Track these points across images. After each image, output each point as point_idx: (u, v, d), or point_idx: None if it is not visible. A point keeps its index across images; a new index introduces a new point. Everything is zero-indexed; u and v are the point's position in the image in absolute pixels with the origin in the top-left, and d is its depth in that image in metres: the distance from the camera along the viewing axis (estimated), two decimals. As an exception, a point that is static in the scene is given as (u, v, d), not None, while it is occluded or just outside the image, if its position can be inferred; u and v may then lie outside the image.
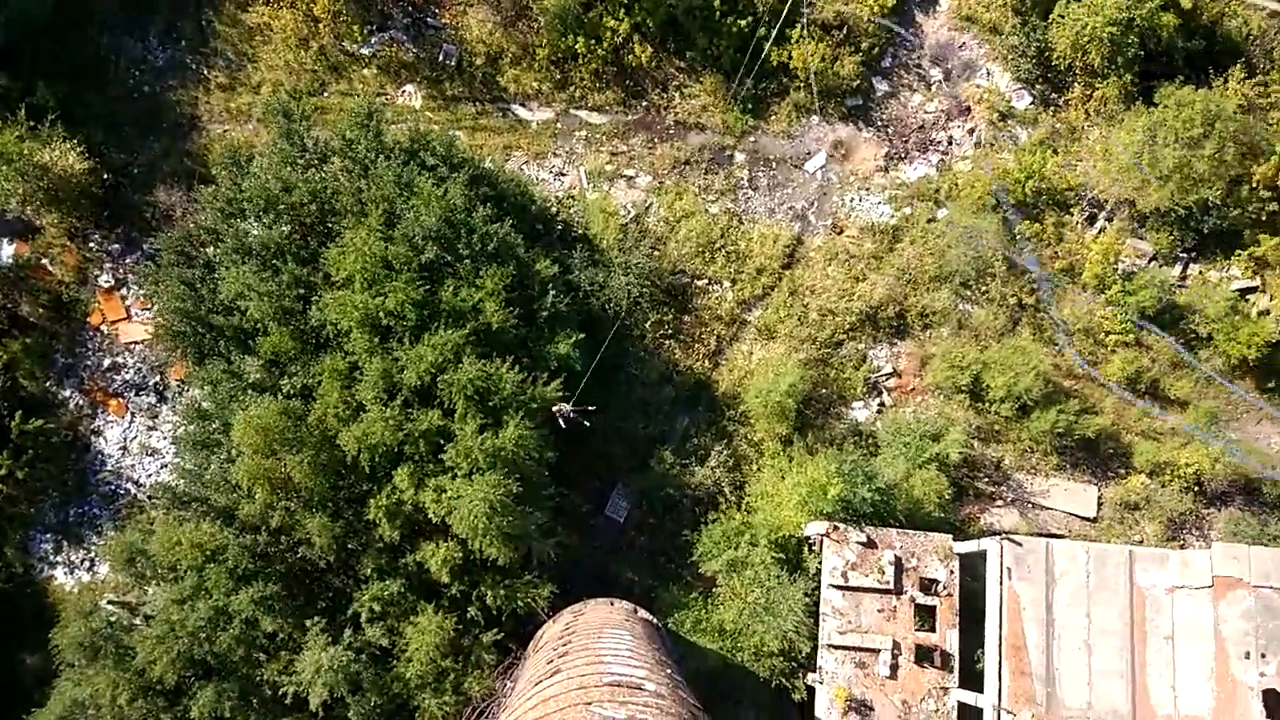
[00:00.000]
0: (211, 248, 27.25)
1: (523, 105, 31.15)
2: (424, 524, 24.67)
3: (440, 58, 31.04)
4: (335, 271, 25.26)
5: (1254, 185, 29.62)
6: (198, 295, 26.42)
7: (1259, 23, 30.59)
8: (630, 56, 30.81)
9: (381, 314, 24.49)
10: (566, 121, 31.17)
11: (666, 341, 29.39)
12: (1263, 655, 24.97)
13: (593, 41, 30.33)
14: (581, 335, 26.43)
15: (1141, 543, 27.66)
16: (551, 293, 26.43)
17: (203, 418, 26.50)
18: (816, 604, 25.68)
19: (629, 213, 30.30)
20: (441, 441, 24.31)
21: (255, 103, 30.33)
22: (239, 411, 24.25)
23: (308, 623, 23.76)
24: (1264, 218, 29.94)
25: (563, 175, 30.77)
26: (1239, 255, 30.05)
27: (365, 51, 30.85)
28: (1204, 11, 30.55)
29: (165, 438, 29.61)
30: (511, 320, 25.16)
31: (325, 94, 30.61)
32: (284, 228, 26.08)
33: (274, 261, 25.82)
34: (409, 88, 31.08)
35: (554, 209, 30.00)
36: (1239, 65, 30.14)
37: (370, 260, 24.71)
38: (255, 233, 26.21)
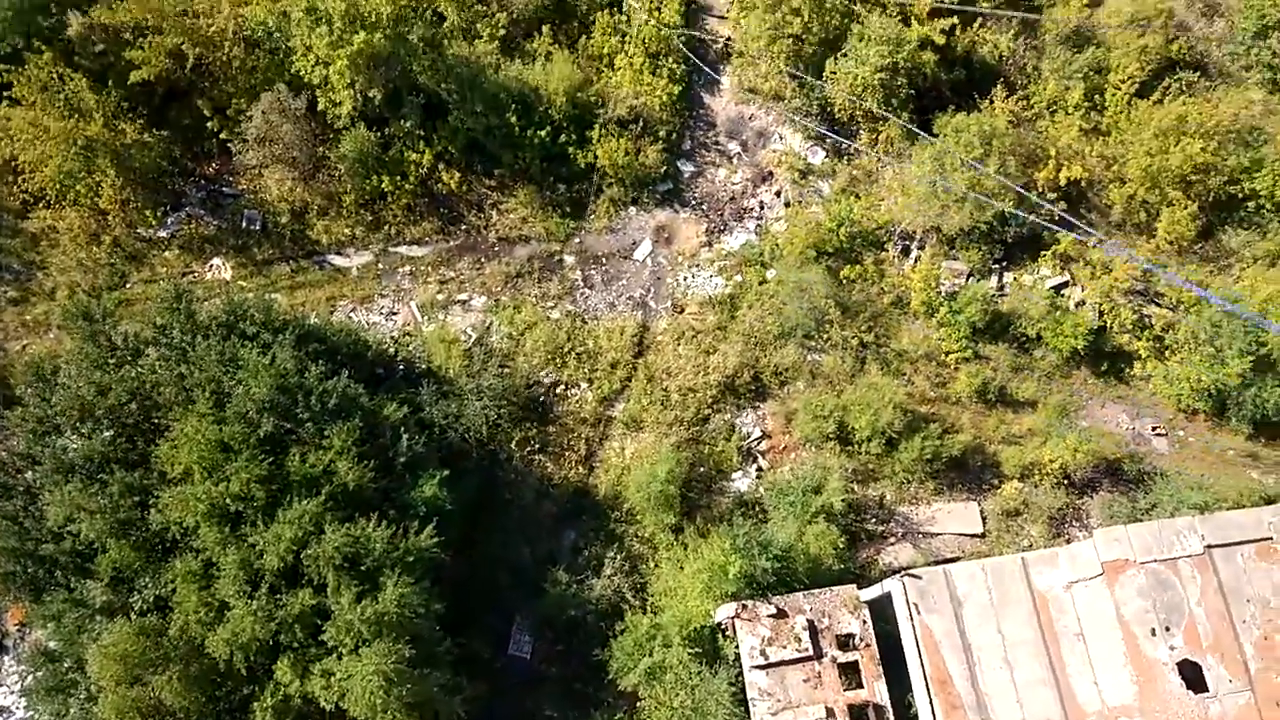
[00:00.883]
0: (29, 472, 24.99)
1: (338, 254, 30.40)
2: (318, 715, 22.74)
3: (244, 224, 30.06)
4: (170, 468, 23.57)
5: (1040, 189, 31.76)
6: (22, 528, 24.09)
7: (1006, 45, 33.23)
8: (439, 185, 30.73)
9: (227, 500, 22.87)
10: (387, 260, 30.61)
11: (536, 457, 28.65)
12: (1167, 629, 25.41)
13: (398, 178, 30.11)
14: (445, 472, 25.34)
15: (1030, 547, 28.35)
16: (405, 436, 25.36)
17: (51, 660, 23.90)
18: (743, 690, 24.93)
19: (470, 336, 29.76)
20: (319, 621, 22.61)
21: (52, 310, 28.46)
22: (91, 644, 22.02)
23: None
24: (1056, 218, 32.01)
25: (394, 314, 30.03)
26: (1045, 256, 32.02)
27: (163, 234, 29.58)
28: (957, 44, 32.99)
29: (13, 692, 26.51)
30: (368, 475, 23.89)
31: (128, 285, 29.04)
32: (105, 434, 24.26)
33: (100, 474, 23.83)
34: (216, 261, 29.84)
35: (392, 350, 29.12)
36: (999, 86, 32.56)
37: (205, 448, 23.16)
38: (74, 447, 24.25)
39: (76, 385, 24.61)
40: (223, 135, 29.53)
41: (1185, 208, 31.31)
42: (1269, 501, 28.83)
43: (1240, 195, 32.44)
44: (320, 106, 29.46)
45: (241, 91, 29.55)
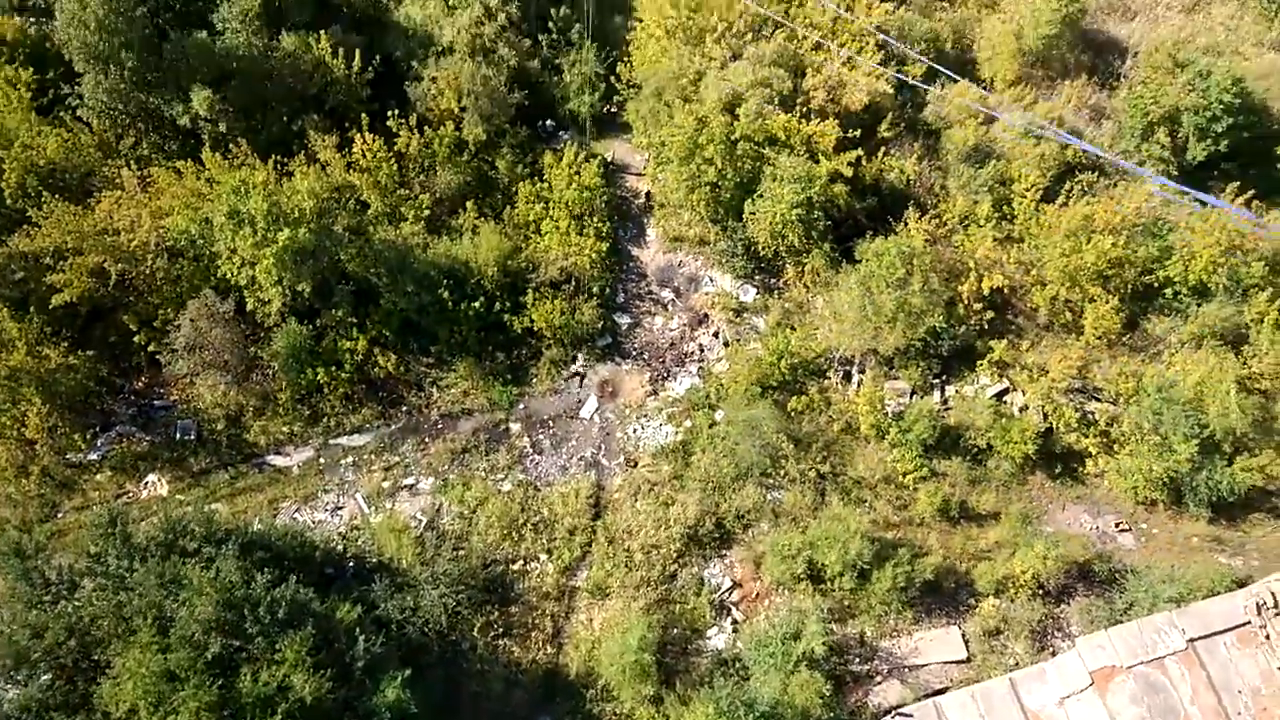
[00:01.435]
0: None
1: (278, 453, 29.84)
2: None
3: (177, 436, 29.47)
4: (114, 708, 22.17)
5: (966, 302, 32.70)
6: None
7: (911, 169, 34.76)
8: (376, 369, 30.63)
9: (178, 736, 21.48)
10: (329, 454, 30.11)
11: (500, 642, 27.52)
12: None
13: (334, 368, 29.97)
14: (407, 672, 24.24)
15: (1017, 665, 27.78)
16: (361, 638, 24.27)
17: None
18: None
19: (420, 522, 29.08)
20: None
21: (-21, 548, 27.15)
22: None
23: None
24: (985, 326, 32.95)
25: (339, 509, 29.32)
26: (982, 365, 32.69)
27: (94, 457, 28.81)
28: (865, 174, 34.40)
29: None
30: (326, 686, 22.73)
31: (60, 515, 28.00)
32: (43, 679, 22.95)
33: (37, 727, 22.34)
34: (151, 477, 29.07)
35: (340, 547, 28.25)
36: (911, 208, 33.89)
37: (149, 681, 21.89)
38: (9, 698, 22.81)
39: (10, 630, 23.36)
40: (151, 348, 29.24)
41: (1107, 302, 32.38)
42: (1240, 584, 28.93)
43: (1156, 284, 33.74)
44: (249, 307, 29.48)
45: (167, 301, 29.46)
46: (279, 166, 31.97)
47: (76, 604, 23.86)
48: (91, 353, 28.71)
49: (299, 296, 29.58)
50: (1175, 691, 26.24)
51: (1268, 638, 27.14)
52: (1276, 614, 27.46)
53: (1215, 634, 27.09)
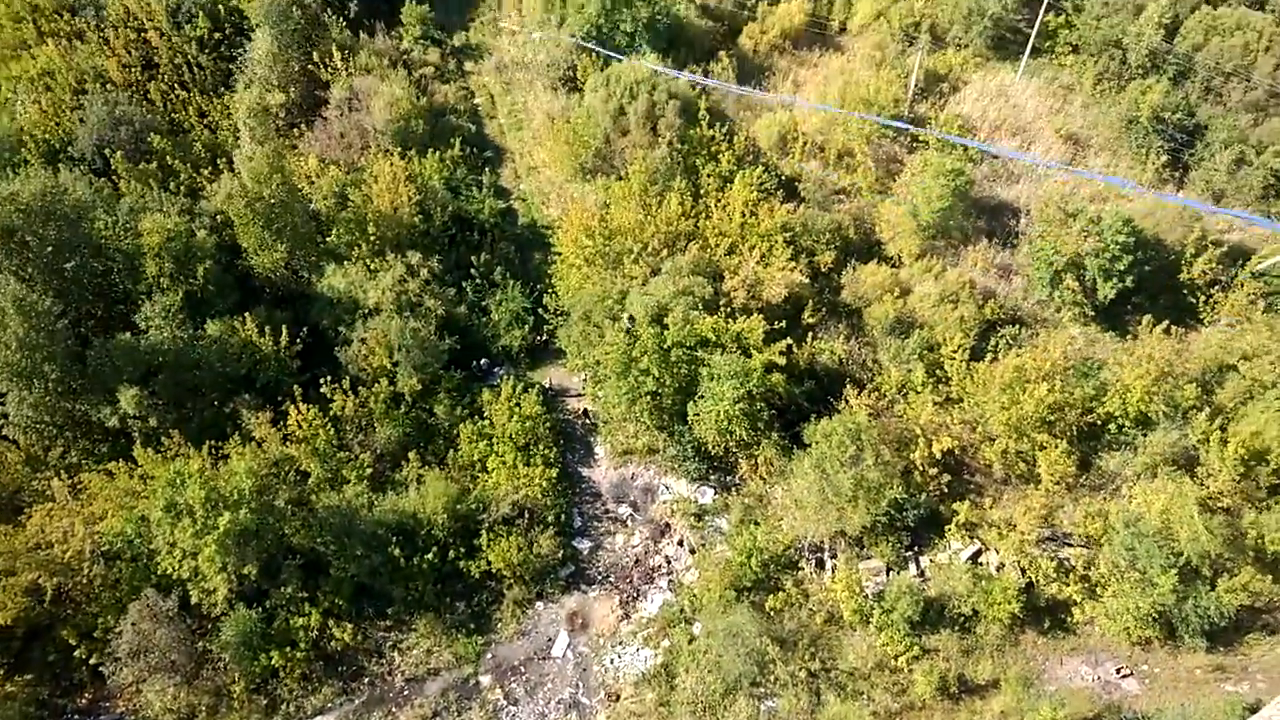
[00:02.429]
0: None
1: (235, 760, 29.14)
2: None
3: (126, 751, 28.77)
4: None
5: (921, 468, 34.37)
6: None
7: (841, 348, 37.40)
8: (332, 643, 30.71)
9: None
10: (292, 742, 29.46)
11: None
12: None
13: (288, 649, 29.99)
14: None
15: (1054, 847, 27.12)
16: None
17: None
18: None
19: (397, 804, 28.20)
20: None
21: None
22: None
23: None
24: (945, 489, 34.49)
25: (309, 804, 28.42)
26: (950, 529, 33.91)
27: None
28: (799, 360, 36.91)
29: None
30: None
31: None
32: None
33: None
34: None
35: None
36: (849, 386, 36.18)
37: None
38: None
39: None
40: (93, 660, 29.06)
41: (1057, 447, 34.32)
42: (1252, 710, 29.23)
43: (1099, 421, 35.94)
44: (193, 599, 29.72)
45: (107, 609, 29.64)
46: (214, 451, 33.23)
47: None
48: (30, 676, 28.38)
49: (245, 580, 29.92)
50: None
51: (1298, 766, 27.17)
52: (1301, 739, 27.64)
53: None
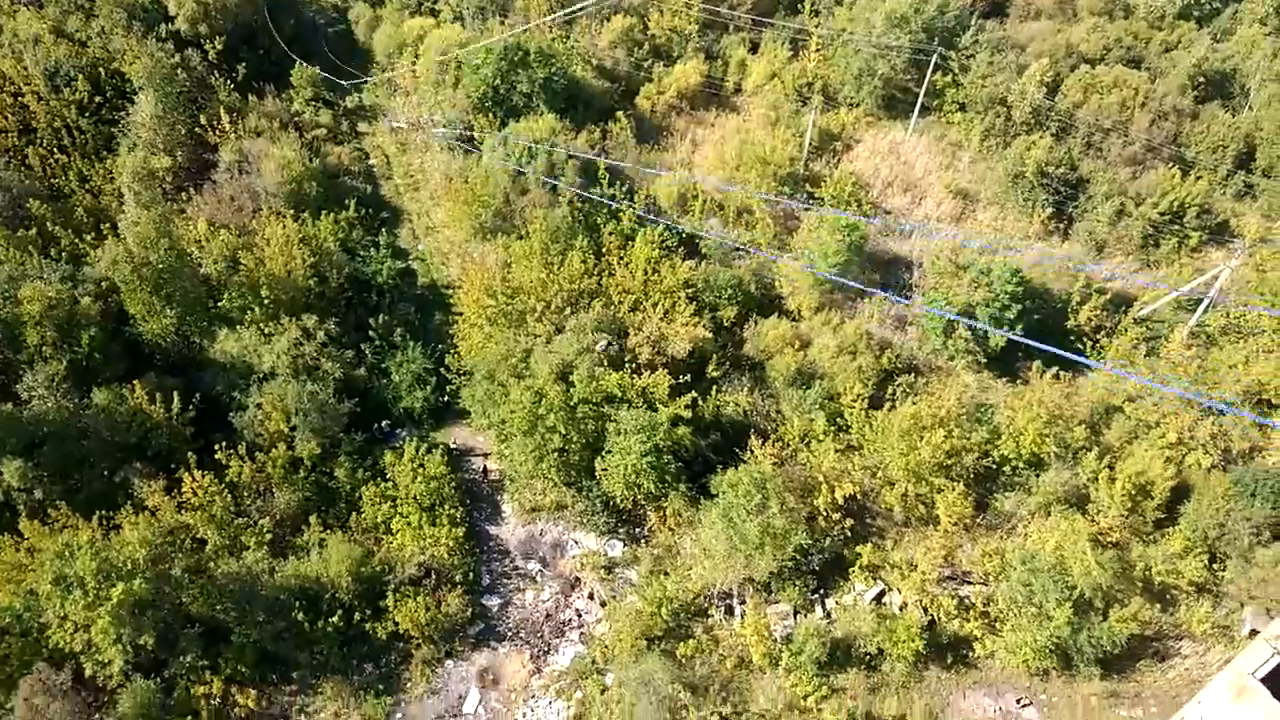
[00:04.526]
0: None
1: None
2: None
3: None
4: None
5: (825, 514, 38.89)
6: None
7: (745, 400, 42.04)
8: (236, 709, 33.18)
9: None
10: (194, 822, 31.64)
11: None
12: None
13: (189, 718, 32.22)
14: None
15: None
16: None
17: None
18: None
19: None
20: None
21: None
22: None
23: None
24: (848, 533, 39.07)
25: None
26: (854, 572, 38.41)
27: None
28: (704, 412, 41.37)
29: None
30: None
31: None
32: None
33: None
34: None
35: None
36: (753, 435, 40.75)
37: None
38: None
39: None
40: (-19, 739, 30.90)
41: (954, 490, 39.34)
42: (1146, 734, 34.03)
43: (994, 464, 41.23)
44: (88, 672, 31.86)
45: (-4, 685, 31.54)
46: (105, 521, 35.64)
47: None
48: (-85, 758, 30.08)
49: (141, 650, 32.27)
50: None
51: (1185, 781, 31.86)
52: (1190, 757, 32.44)
53: None
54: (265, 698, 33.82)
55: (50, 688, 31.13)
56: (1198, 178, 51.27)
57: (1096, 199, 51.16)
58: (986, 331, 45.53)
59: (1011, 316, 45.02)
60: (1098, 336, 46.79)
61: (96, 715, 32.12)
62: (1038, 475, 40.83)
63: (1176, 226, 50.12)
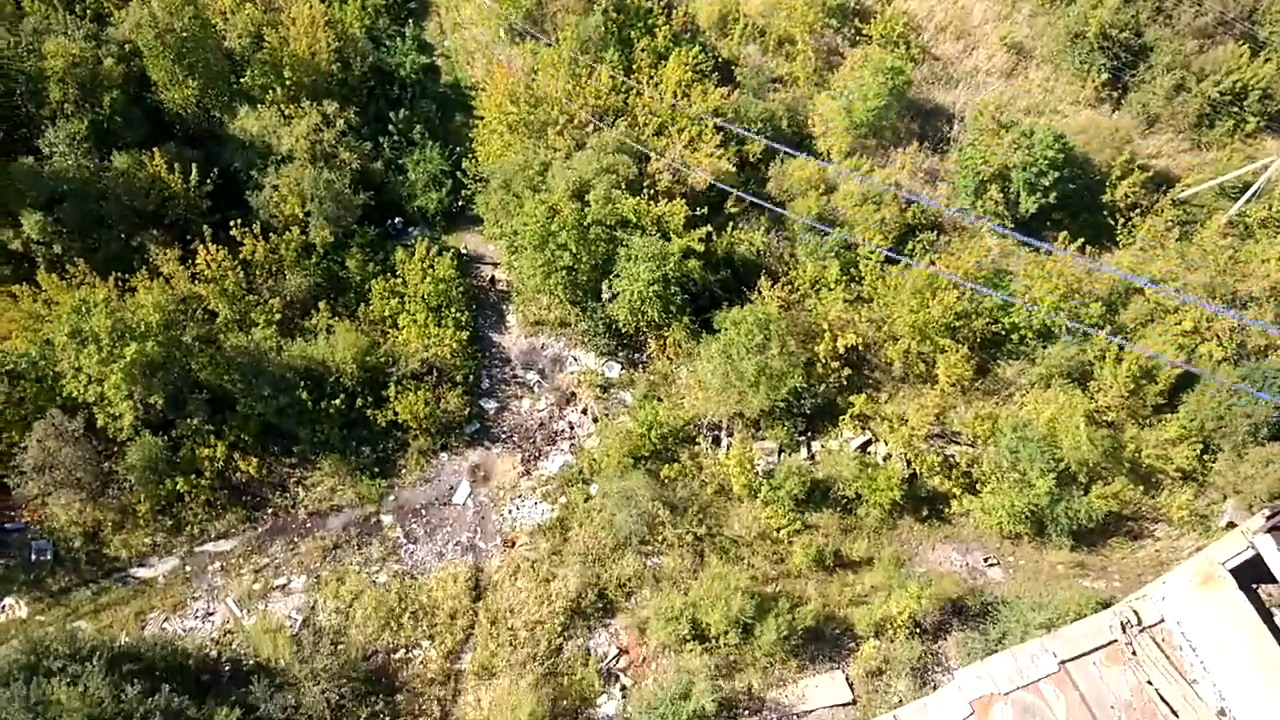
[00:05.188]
0: None
1: (141, 565, 34.83)
2: None
3: (33, 557, 34.03)
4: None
5: (824, 361, 40.64)
6: None
7: (760, 240, 43.20)
8: (238, 474, 36.15)
9: None
10: (195, 561, 35.21)
11: (388, 732, 32.62)
12: None
13: (193, 476, 35.30)
14: (294, 769, 28.99)
15: (900, 703, 34.20)
16: (244, 742, 29.00)
17: None
18: None
19: (295, 620, 34.20)
20: None
21: None
22: None
23: None
24: (844, 382, 40.91)
25: (210, 615, 34.19)
26: (844, 419, 40.46)
27: (-55, 584, 33.08)
28: (717, 248, 42.61)
29: None
30: (211, 788, 27.29)
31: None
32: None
33: None
34: (8, 601, 33.48)
35: (214, 652, 33.11)
36: (764, 277, 42.07)
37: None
38: None
39: None
40: (-3, 472, 34.02)
41: (957, 352, 40.88)
42: (1105, 605, 36.31)
43: (1003, 331, 42.59)
44: (99, 423, 34.62)
45: (11, 425, 34.40)
46: (120, 283, 37.69)
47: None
48: (-67, 478, 33.26)
49: (151, 409, 34.97)
50: (1051, 712, 32.86)
51: (1134, 654, 34.12)
52: (1141, 631, 34.76)
53: (1084, 654, 33.74)
54: (266, 467, 36.77)
55: (62, 433, 33.87)
56: (1266, 59, 50.26)
57: (1157, 69, 50.30)
58: (1018, 195, 46.03)
59: (1047, 183, 45.36)
60: (1132, 214, 47.14)
61: (106, 464, 35.01)
62: (1045, 347, 42.16)
63: (1235, 109, 49.55)
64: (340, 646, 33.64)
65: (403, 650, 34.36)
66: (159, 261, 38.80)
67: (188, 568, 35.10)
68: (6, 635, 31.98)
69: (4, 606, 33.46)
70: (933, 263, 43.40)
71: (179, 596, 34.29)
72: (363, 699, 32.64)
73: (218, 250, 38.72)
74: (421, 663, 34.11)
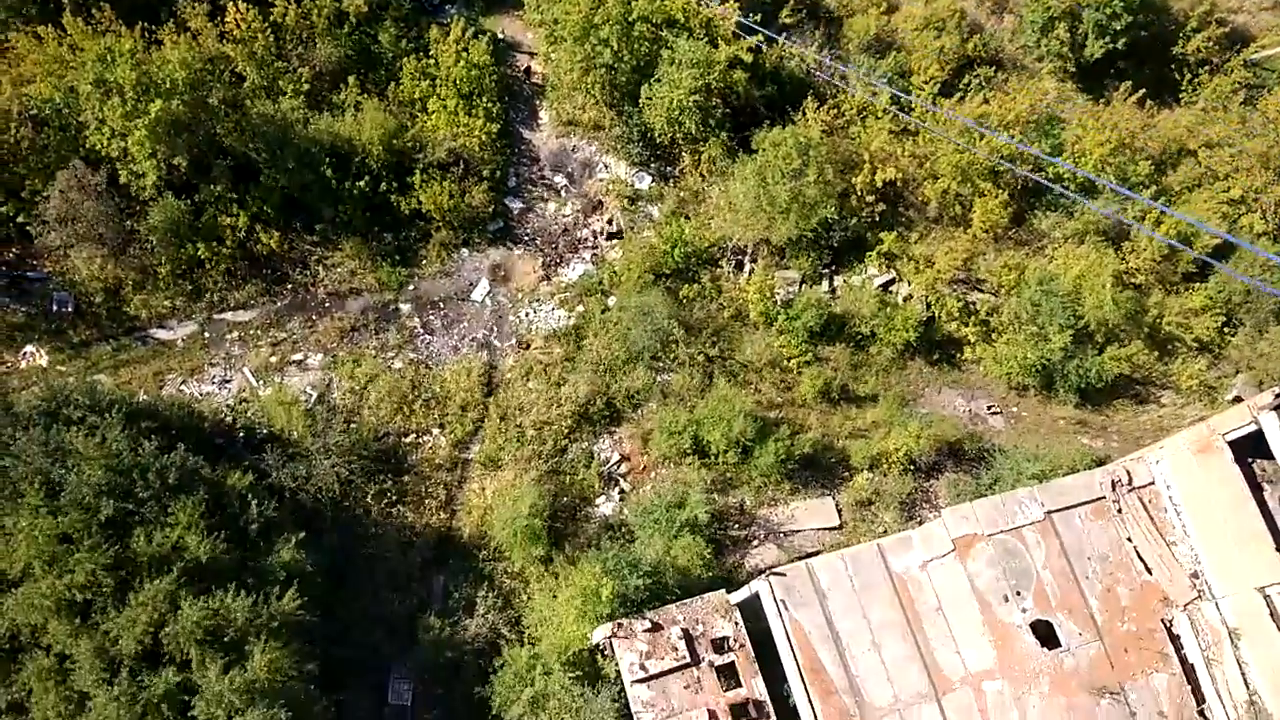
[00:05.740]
0: None
1: (160, 327, 35.92)
2: (203, 789, 27.41)
3: (54, 308, 35.08)
4: (9, 568, 27.93)
5: (859, 193, 40.40)
6: None
7: (812, 57, 42.05)
8: (259, 246, 36.71)
9: (74, 592, 27.36)
10: (213, 329, 36.30)
11: (394, 508, 34.68)
12: (1018, 593, 32.99)
13: (214, 243, 35.84)
14: (302, 534, 30.83)
15: (885, 533, 36.00)
16: (254, 503, 30.64)
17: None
18: (627, 705, 31.14)
19: (310, 396, 35.60)
20: (187, 699, 27.38)
21: None
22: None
23: None
24: (877, 218, 40.84)
25: (227, 382, 35.58)
26: (870, 256, 40.66)
27: (-34, 326, 34.24)
28: (765, 61, 41.52)
29: None
30: (220, 546, 28.98)
31: (-65, 387, 33.43)
32: (-70, 536, 28.36)
33: (-66, 586, 27.95)
34: (29, 348, 34.72)
35: (229, 418, 34.61)
36: (810, 98, 41.21)
37: (43, 542, 27.59)
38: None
39: (-112, 490, 28.70)
40: (20, 219, 34.44)
41: (996, 197, 40.51)
42: (1100, 463, 37.68)
43: (1046, 180, 42.02)
44: (122, 179, 34.83)
45: (34, 172, 34.59)
46: (147, 34, 36.95)
47: (-43, 468, 29.32)
48: (-44, 221, 33.83)
49: (175, 170, 35.16)
50: (1030, 556, 34.61)
51: (1119, 512, 35.62)
52: (1130, 490, 36.12)
53: (1071, 507, 35.35)
54: (287, 242, 37.28)
55: (85, 185, 34.13)
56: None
57: (1255, -86, 47.63)
58: (1086, 38, 44.46)
59: (1119, 27, 43.78)
60: (1200, 70, 45.64)
61: (128, 222, 35.48)
62: (1085, 201, 41.70)
63: (1329, -31, 47.20)
64: (353, 425, 35.13)
65: (413, 435, 35.95)
66: (187, 15, 37.92)
67: (206, 334, 36.22)
68: (28, 381, 33.34)
69: (25, 354, 34.73)
70: (986, 100, 42.51)
71: (197, 361, 35.54)
72: (371, 476, 34.43)
73: (248, 10, 37.82)
74: (430, 448, 35.75)
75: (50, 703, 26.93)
